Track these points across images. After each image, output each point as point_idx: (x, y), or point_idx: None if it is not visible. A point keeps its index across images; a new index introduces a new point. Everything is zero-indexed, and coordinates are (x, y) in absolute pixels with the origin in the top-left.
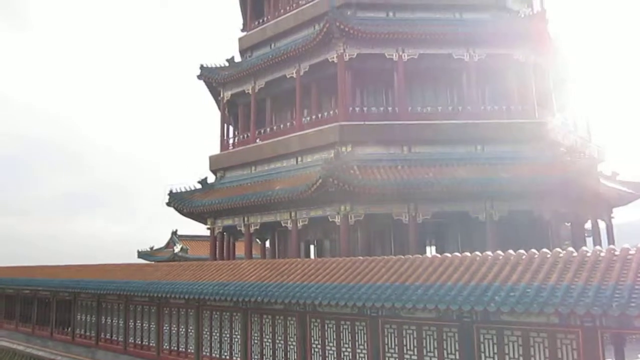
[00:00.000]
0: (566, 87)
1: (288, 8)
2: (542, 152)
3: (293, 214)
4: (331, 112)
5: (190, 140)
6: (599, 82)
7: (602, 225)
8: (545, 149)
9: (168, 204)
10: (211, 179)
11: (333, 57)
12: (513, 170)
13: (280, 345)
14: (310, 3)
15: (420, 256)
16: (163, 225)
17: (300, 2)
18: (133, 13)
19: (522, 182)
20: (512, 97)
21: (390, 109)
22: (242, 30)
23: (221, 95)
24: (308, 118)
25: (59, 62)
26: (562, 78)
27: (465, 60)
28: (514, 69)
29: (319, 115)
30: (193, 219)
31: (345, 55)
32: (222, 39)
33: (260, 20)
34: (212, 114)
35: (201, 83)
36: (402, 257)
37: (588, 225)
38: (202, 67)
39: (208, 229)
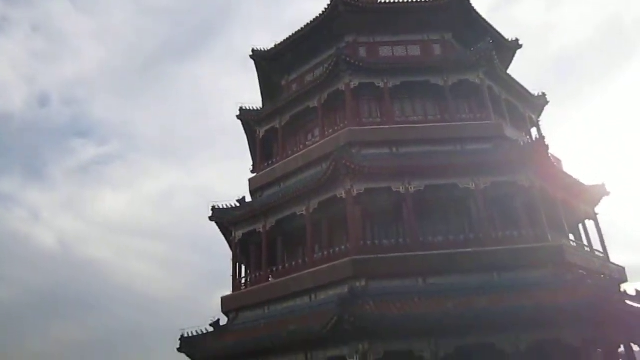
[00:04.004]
0: (574, 206)
1: (296, 149)
2: (562, 276)
3: (309, 355)
4: (343, 247)
5: (203, 280)
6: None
7: (636, 348)
8: (564, 273)
9: (179, 350)
10: (224, 320)
11: (341, 194)
12: (535, 297)
13: None
14: (317, 144)
15: None
16: None
17: (307, 143)
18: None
19: (546, 309)
20: (523, 222)
21: (401, 240)
22: (252, 172)
23: (233, 235)
24: (320, 254)
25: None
26: (568, 199)
27: (471, 189)
28: (520, 195)
29: (331, 251)
30: None
31: (353, 191)
32: (234, 178)
33: (270, 162)
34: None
35: (213, 224)
36: None
37: (622, 348)
38: (213, 208)
39: None
